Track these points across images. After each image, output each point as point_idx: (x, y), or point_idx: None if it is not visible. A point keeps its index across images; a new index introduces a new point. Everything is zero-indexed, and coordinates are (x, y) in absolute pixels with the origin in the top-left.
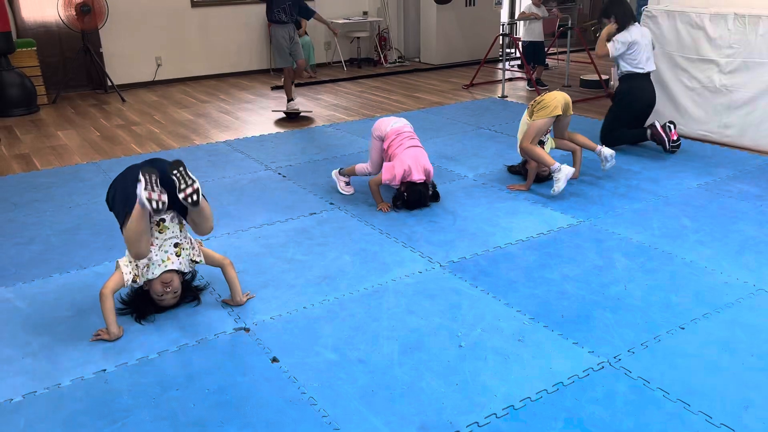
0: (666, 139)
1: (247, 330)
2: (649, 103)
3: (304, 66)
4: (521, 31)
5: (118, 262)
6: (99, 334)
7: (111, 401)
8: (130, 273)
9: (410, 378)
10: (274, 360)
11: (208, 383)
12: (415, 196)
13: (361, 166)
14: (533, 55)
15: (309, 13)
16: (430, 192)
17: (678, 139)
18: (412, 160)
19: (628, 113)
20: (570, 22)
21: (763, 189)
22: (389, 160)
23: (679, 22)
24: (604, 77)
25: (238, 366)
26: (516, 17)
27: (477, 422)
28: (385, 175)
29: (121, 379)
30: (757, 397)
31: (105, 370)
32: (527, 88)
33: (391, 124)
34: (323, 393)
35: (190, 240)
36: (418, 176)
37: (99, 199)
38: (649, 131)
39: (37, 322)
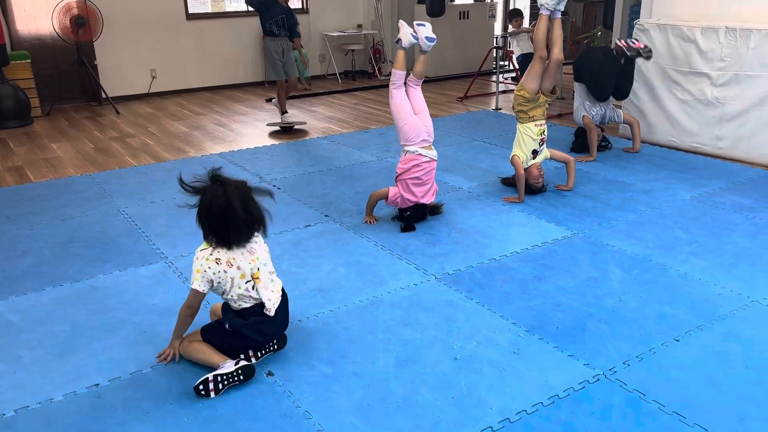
0: (629, 46)
1: None
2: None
3: (295, 83)
4: (513, 45)
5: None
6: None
7: (104, 416)
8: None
9: (406, 391)
10: (269, 374)
11: (202, 398)
12: (409, 220)
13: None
14: (527, 66)
15: (295, 33)
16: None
17: (646, 47)
18: (415, 199)
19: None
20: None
21: (755, 201)
22: (399, 178)
23: (671, 36)
24: None
25: None
26: (509, 32)
27: None
28: (390, 199)
29: (115, 393)
30: (752, 409)
31: (98, 384)
32: None
33: (416, 146)
34: (318, 407)
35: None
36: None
37: (92, 212)
38: (613, 50)
39: (30, 336)
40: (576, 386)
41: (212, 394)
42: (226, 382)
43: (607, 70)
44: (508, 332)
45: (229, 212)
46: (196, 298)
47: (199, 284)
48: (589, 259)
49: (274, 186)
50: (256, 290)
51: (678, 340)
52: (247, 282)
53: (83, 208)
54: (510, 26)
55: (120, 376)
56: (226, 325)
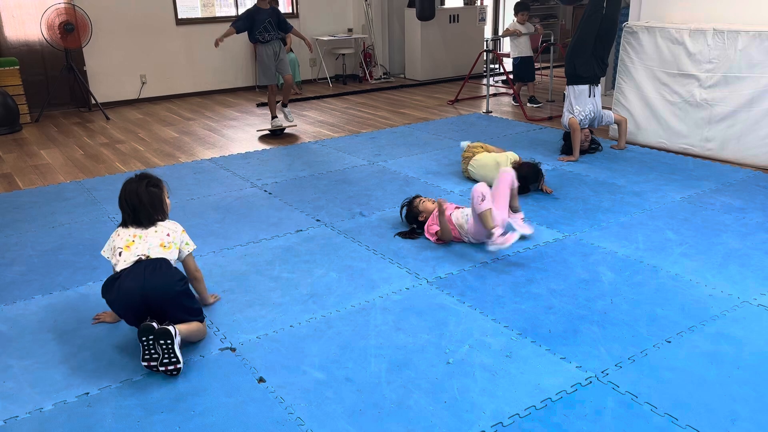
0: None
1: (233, 350)
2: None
3: (291, 81)
4: (508, 48)
5: None
6: (99, 318)
7: (94, 425)
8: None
9: (398, 396)
10: (261, 380)
11: (194, 405)
12: (413, 233)
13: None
14: (525, 71)
15: (287, 28)
16: None
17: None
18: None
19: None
20: (553, 37)
21: (744, 201)
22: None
23: (659, 38)
24: None
25: (224, 387)
26: (500, 35)
27: None
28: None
29: (105, 402)
30: (743, 410)
31: (88, 393)
32: (512, 103)
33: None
34: (311, 413)
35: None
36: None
37: (82, 218)
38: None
39: (19, 345)
40: (568, 389)
41: (161, 368)
42: (151, 353)
43: (587, 31)
44: (501, 335)
45: (121, 200)
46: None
47: (104, 249)
48: (581, 261)
49: (265, 191)
50: (121, 255)
51: (669, 342)
52: (118, 248)
53: (73, 214)
54: (515, 20)
55: (110, 385)
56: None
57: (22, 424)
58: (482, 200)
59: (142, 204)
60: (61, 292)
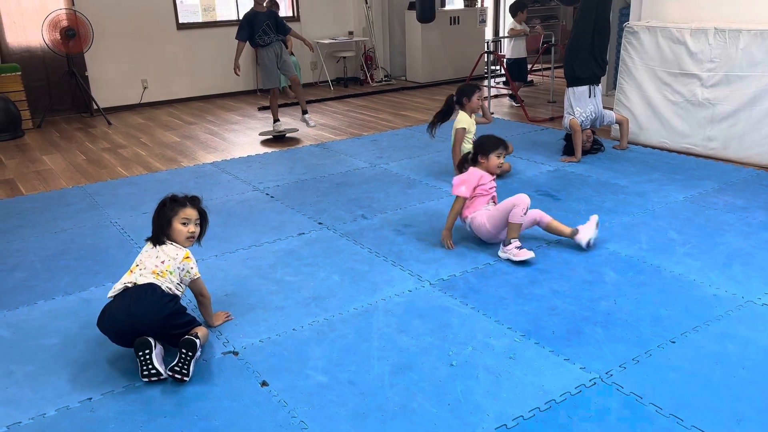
0: None
1: (235, 354)
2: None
3: (297, 81)
4: (505, 48)
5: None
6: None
7: (97, 430)
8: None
9: (401, 399)
10: (264, 384)
11: (197, 409)
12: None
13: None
14: (517, 72)
15: (285, 30)
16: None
17: None
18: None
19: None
20: (553, 38)
21: (747, 201)
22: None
23: (660, 38)
24: None
25: (227, 391)
26: (507, 34)
27: None
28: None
29: (108, 407)
30: (749, 410)
31: (91, 398)
32: (512, 104)
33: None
34: (314, 417)
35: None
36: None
37: (84, 224)
38: None
39: (22, 351)
40: (573, 390)
41: (162, 375)
42: (149, 368)
43: (582, 28)
44: (504, 337)
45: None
46: None
47: None
48: (584, 262)
49: (267, 194)
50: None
51: (674, 342)
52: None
53: (75, 220)
54: (513, 20)
55: (113, 390)
56: None
57: (25, 430)
58: (524, 214)
59: (153, 222)
60: (63, 297)
